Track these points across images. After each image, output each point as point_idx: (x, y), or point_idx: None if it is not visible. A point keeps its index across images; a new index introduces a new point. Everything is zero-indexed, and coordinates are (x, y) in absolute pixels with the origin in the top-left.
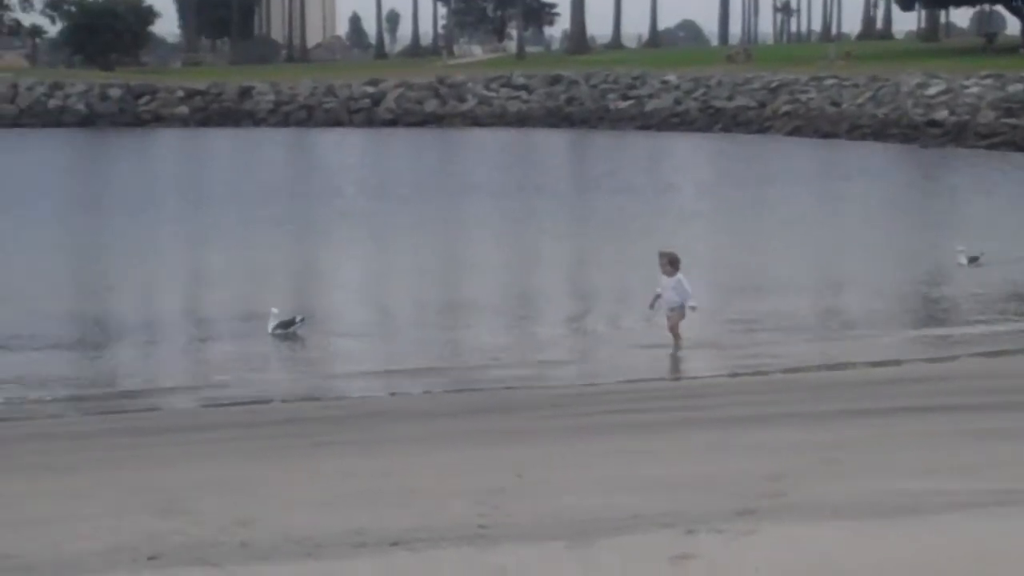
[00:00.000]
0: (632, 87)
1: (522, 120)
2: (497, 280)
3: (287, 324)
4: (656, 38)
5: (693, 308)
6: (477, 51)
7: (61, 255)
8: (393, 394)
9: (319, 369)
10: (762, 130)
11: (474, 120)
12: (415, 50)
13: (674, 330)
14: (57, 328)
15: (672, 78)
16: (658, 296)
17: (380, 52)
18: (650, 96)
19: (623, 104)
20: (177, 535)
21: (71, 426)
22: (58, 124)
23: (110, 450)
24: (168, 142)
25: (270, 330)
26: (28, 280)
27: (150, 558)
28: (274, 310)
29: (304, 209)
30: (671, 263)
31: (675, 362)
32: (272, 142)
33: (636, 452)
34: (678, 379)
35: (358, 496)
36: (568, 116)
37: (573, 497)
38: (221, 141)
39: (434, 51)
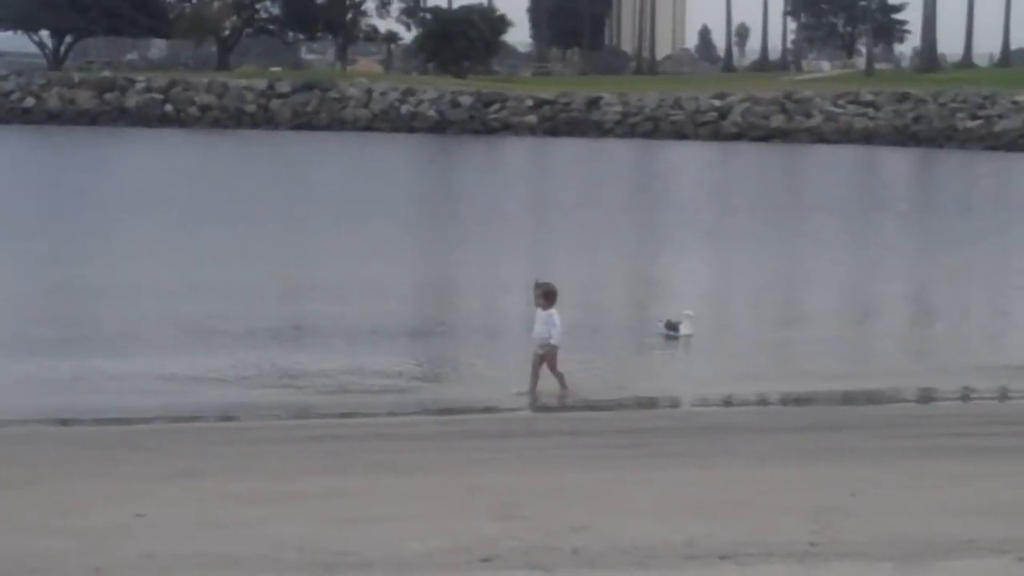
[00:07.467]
0: (981, 107)
1: (867, 137)
2: (837, 295)
3: (674, 326)
4: (1008, 57)
5: (542, 346)
6: (825, 66)
7: (409, 257)
8: (727, 406)
9: (657, 379)
10: None
11: (819, 136)
12: (763, 64)
13: (548, 365)
14: (413, 324)
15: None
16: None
17: (728, 65)
18: (1000, 116)
19: (972, 124)
20: (511, 539)
21: (411, 427)
22: (409, 129)
23: (448, 452)
24: (518, 150)
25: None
26: (389, 280)
27: (483, 560)
28: (687, 312)
29: (648, 220)
30: (545, 296)
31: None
32: (619, 153)
33: (970, 476)
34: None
35: (690, 508)
36: (915, 135)
37: (905, 519)
38: (569, 150)
39: (782, 66)
